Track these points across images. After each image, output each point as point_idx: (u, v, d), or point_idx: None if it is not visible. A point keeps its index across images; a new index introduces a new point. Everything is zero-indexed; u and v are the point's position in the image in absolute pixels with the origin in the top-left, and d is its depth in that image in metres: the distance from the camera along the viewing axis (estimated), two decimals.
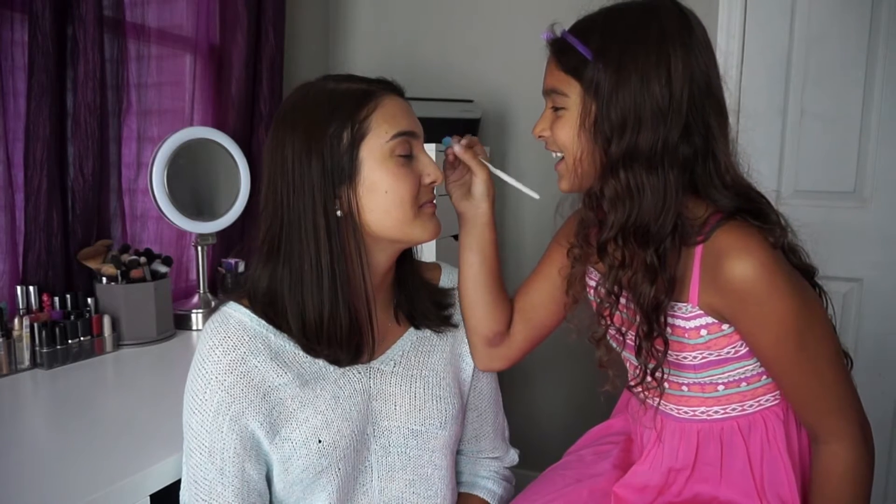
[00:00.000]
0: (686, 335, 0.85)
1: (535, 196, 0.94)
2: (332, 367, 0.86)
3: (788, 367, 0.82)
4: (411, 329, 0.95)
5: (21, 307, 1.29)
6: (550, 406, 2.26)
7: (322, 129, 0.81)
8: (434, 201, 0.89)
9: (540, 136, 0.89)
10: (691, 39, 0.80)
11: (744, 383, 0.88)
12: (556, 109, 0.85)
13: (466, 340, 0.99)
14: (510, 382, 2.15)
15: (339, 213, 0.81)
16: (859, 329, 1.91)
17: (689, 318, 0.84)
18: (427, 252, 1.69)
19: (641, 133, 0.78)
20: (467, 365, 0.99)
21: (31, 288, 1.30)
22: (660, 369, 0.85)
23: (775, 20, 1.89)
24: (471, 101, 2.06)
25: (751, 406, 0.89)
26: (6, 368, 1.21)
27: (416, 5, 2.29)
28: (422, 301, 0.95)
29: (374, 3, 2.35)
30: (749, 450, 0.89)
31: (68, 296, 1.35)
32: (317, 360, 0.85)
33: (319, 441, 0.83)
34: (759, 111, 1.93)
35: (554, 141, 0.86)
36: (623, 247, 0.82)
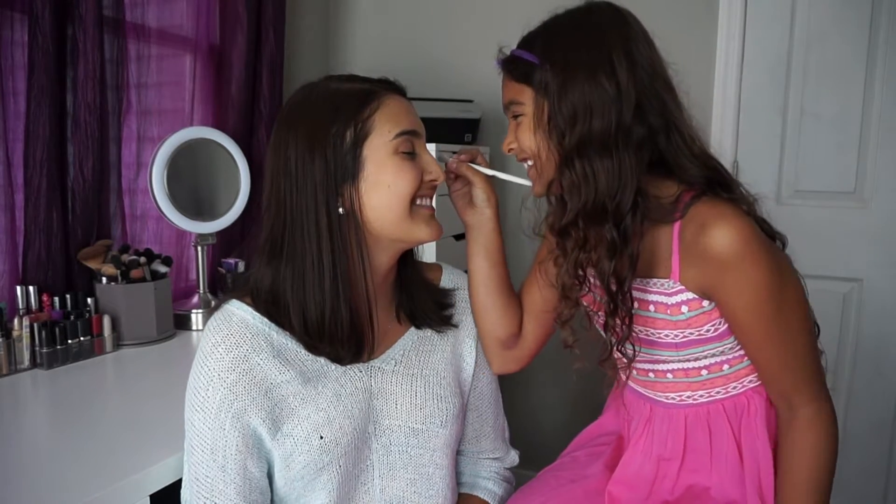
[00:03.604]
0: (668, 311, 0.87)
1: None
2: (333, 366, 0.87)
3: (764, 334, 0.84)
4: (412, 329, 0.95)
5: (21, 307, 1.29)
6: (550, 407, 2.26)
7: (325, 128, 0.81)
8: (433, 204, 0.89)
9: (510, 150, 0.92)
10: (628, 31, 0.85)
11: (725, 366, 0.91)
12: (515, 118, 0.89)
13: (467, 341, 0.99)
14: (510, 384, 2.15)
15: (340, 210, 0.82)
16: (859, 329, 1.91)
17: (671, 294, 0.87)
18: (427, 252, 1.69)
19: (594, 120, 0.82)
20: (468, 365, 0.99)
21: (31, 288, 1.30)
22: (627, 345, 0.88)
23: (775, 20, 1.89)
24: (471, 101, 2.06)
25: (734, 388, 0.92)
26: (6, 368, 1.21)
27: (416, 5, 2.29)
28: (423, 301, 0.96)
29: (374, 2, 2.35)
30: (734, 431, 0.91)
31: (68, 296, 1.35)
32: (318, 358, 0.86)
33: (321, 437, 0.83)
34: (759, 111, 1.94)
35: (521, 148, 0.90)
36: (583, 228, 0.85)
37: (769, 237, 0.90)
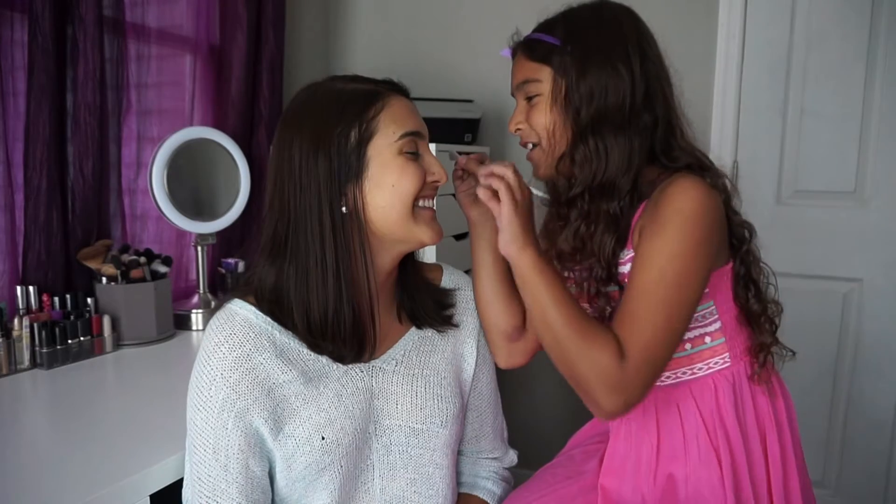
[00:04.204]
0: (626, 280, 0.91)
1: (542, 195, 1.02)
2: (335, 366, 0.87)
3: (650, 290, 0.83)
4: (413, 329, 0.95)
5: (21, 307, 1.29)
6: (548, 408, 2.26)
7: (329, 128, 0.81)
8: (433, 207, 0.89)
9: (517, 130, 0.98)
10: (639, 27, 0.94)
11: (688, 345, 0.94)
12: (529, 100, 0.95)
13: (468, 341, 1.00)
14: (509, 384, 2.16)
15: (344, 209, 0.82)
16: (859, 329, 1.91)
17: (626, 263, 0.92)
18: (428, 252, 1.69)
19: (609, 99, 0.89)
20: (468, 365, 1.00)
21: (31, 288, 1.30)
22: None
23: (775, 20, 1.89)
24: (471, 101, 2.06)
25: (700, 369, 0.94)
26: (6, 368, 1.21)
27: (416, 6, 2.29)
28: (424, 301, 0.96)
29: (375, 3, 2.35)
30: (702, 414, 0.93)
31: (68, 296, 1.35)
32: (320, 358, 0.86)
33: (322, 438, 0.83)
34: (759, 111, 1.94)
35: (531, 128, 0.95)
36: (588, 202, 0.92)
37: (739, 224, 0.95)
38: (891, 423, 1.89)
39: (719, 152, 1.95)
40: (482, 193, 0.87)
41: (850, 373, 1.93)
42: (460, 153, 1.03)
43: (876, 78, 1.81)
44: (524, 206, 0.87)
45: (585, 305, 0.97)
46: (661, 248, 0.83)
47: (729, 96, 1.93)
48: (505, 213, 0.85)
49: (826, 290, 1.93)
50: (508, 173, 0.87)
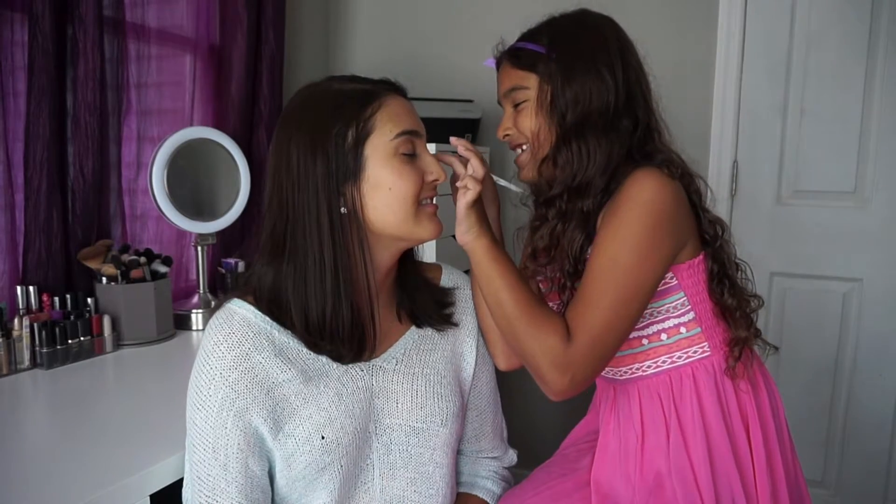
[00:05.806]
0: None
1: (516, 189, 1.04)
2: (334, 365, 0.87)
3: (600, 271, 0.87)
4: (413, 328, 0.95)
5: (21, 307, 1.29)
6: (548, 408, 2.26)
7: (327, 128, 0.81)
8: (434, 201, 0.89)
9: (505, 136, 1.01)
10: (621, 36, 0.97)
11: (664, 335, 0.95)
12: (516, 106, 0.98)
13: (467, 340, 1.00)
14: (509, 385, 2.16)
15: (343, 209, 0.82)
16: (859, 329, 1.91)
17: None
18: (428, 252, 1.69)
19: (593, 102, 0.92)
20: (468, 364, 1.00)
21: (31, 288, 1.30)
22: None
23: (775, 20, 1.89)
24: (471, 101, 2.06)
25: (679, 358, 0.95)
26: (6, 368, 1.21)
27: (416, 5, 2.29)
28: (423, 300, 0.96)
29: (375, 3, 2.35)
30: (675, 403, 0.94)
31: (68, 296, 1.35)
32: (320, 357, 0.86)
33: (322, 437, 0.83)
34: (759, 111, 1.94)
35: (519, 133, 0.98)
36: (566, 201, 0.94)
37: (709, 223, 0.96)
38: (891, 423, 1.89)
39: (719, 152, 1.96)
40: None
41: (850, 373, 1.93)
42: (452, 153, 1.02)
43: (876, 78, 1.81)
44: (479, 199, 0.91)
45: (556, 303, 0.99)
46: (613, 235, 0.87)
47: (729, 96, 1.93)
48: (461, 206, 0.89)
49: (826, 290, 1.93)
50: (479, 171, 0.90)
